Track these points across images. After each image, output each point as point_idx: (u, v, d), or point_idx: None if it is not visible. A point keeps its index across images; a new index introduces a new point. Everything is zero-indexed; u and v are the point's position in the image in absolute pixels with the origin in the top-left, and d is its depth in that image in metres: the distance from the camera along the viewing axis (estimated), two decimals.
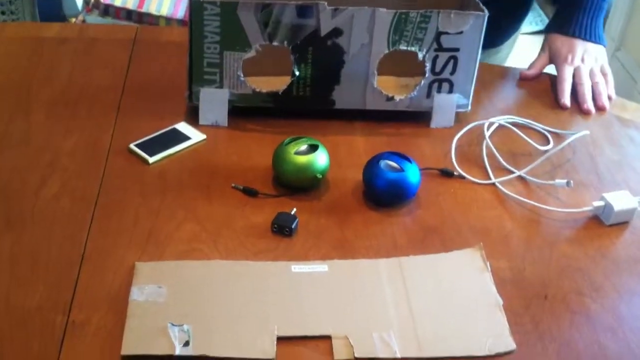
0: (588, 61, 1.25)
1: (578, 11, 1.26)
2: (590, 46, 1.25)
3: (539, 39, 1.33)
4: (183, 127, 1.07)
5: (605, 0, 1.27)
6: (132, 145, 1.03)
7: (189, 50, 1.05)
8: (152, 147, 1.03)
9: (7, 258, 0.86)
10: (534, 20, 3.02)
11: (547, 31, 1.29)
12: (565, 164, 1.08)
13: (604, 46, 1.27)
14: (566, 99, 1.21)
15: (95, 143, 1.05)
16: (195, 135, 1.06)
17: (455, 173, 1.03)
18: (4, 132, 1.06)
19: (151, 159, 1.01)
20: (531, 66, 1.28)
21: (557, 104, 1.22)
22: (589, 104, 1.21)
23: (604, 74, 1.25)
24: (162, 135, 1.05)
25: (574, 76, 1.24)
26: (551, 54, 1.27)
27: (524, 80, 1.27)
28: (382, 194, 0.96)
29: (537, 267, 0.90)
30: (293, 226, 0.91)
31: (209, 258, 0.88)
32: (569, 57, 1.24)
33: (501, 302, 0.84)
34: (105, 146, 1.04)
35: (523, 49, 1.59)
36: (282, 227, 0.92)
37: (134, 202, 0.95)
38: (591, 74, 1.24)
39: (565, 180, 1.00)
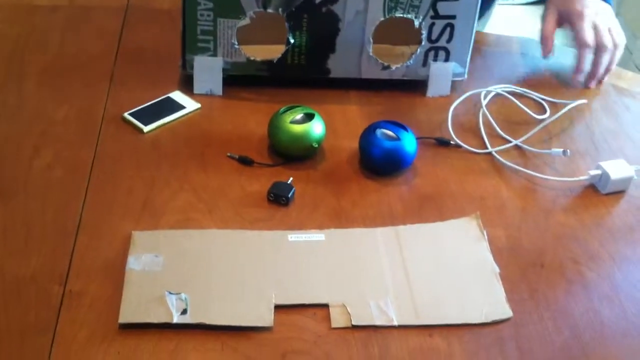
0: (603, 17, 1.17)
1: None
2: (599, 3, 1.20)
3: (534, 10, 1.31)
4: (177, 95, 1.06)
5: None
6: (126, 114, 1.02)
7: (182, 18, 1.04)
8: (146, 116, 1.02)
9: (1, 228, 0.85)
10: None
11: None
12: (561, 133, 1.08)
13: (612, 5, 1.22)
14: (582, 76, 1.17)
15: (89, 112, 1.04)
16: (190, 104, 1.05)
17: (451, 142, 1.03)
18: None
19: (146, 128, 1.00)
20: (544, 36, 1.20)
21: (562, 74, 1.19)
22: (595, 82, 1.18)
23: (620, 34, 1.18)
24: (157, 104, 1.04)
25: (595, 37, 1.15)
26: (562, 12, 1.19)
27: (547, 54, 1.19)
28: (379, 163, 0.96)
29: (533, 236, 0.90)
30: (289, 195, 0.91)
31: (205, 227, 0.87)
32: (583, 11, 1.16)
33: (497, 270, 0.85)
34: (98, 115, 1.03)
35: (507, 19, 1.57)
36: (279, 197, 0.91)
37: (128, 172, 0.94)
38: (611, 35, 1.16)
39: (561, 150, 1.00)
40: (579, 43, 1.16)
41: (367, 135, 0.96)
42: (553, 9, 1.20)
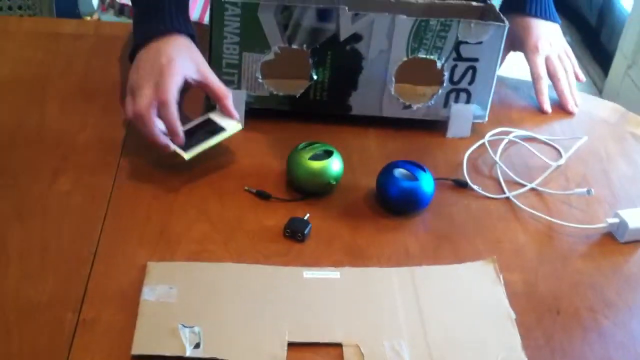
0: (555, 45, 1.24)
1: None
2: (550, 26, 1.25)
3: None
4: (216, 115, 1.02)
5: None
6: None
7: (209, 51, 1.05)
8: (186, 142, 0.98)
9: (17, 251, 0.85)
10: None
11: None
12: (579, 178, 1.08)
13: (559, 24, 1.26)
14: (548, 105, 1.21)
15: (109, 139, 1.04)
16: (230, 126, 1.00)
17: (470, 184, 1.03)
18: (19, 125, 1.06)
19: (187, 155, 0.97)
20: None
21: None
22: (572, 105, 1.22)
23: (569, 57, 1.25)
24: (195, 128, 1.01)
25: (547, 68, 1.23)
26: (512, 41, 1.23)
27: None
28: (396, 202, 0.96)
29: (549, 282, 0.90)
30: (306, 232, 0.91)
31: (220, 260, 0.87)
32: (537, 44, 1.23)
33: (514, 315, 0.84)
34: (118, 142, 1.04)
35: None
36: (295, 232, 0.91)
37: (146, 200, 0.95)
38: (561, 61, 1.24)
39: (585, 189, 1.00)
40: (533, 77, 1.23)
41: (385, 174, 0.96)
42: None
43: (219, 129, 1.00)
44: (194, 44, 1.03)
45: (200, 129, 1.00)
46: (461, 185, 1.03)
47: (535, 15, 1.24)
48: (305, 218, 0.93)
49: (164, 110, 0.94)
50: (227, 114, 1.00)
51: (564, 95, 1.22)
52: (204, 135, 0.99)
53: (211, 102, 1.03)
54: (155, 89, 0.95)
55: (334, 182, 0.97)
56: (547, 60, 1.23)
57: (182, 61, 0.98)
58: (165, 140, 0.96)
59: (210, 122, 1.01)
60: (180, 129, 0.96)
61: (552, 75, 1.23)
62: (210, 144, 0.98)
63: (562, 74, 1.23)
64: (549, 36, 1.24)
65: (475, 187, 1.02)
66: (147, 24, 1.03)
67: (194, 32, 1.04)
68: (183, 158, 0.97)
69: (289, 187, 0.99)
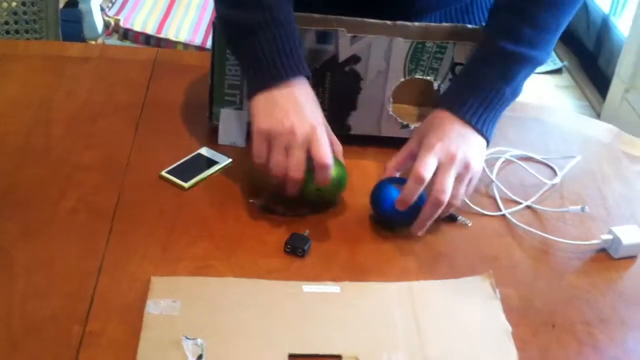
0: (466, 173, 0.96)
1: (476, 92, 1.00)
2: (470, 138, 0.99)
3: (549, 79, 1.32)
4: (206, 151, 1.09)
5: (515, 92, 1.02)
6: (164, 173, 1.04)
7: (210, 72, 1.08)
8: (184, 172, 1.04)
9: (24, 267, 0.87)
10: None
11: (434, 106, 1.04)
12: (574, 196, 1.10)
13: (489, 142, 1.01)
14: (423, 231, 0.97)
15: (113, 159, 1.07)
16: (221, 159, 1.08)
17: (459, 218, 1.02)
18: (25, 145, 1.08)
19: (186, 184, 1.02)
20: (385, 168, 1.03)
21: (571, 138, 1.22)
22: (420, 231, 0.97)
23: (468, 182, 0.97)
24: (190, 161, 1.07)
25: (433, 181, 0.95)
26: (420, 133, 1.00)
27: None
28: (390, 216, 0.98)
29: (545, 297, 0.92)
30: (306, 248, 0.93)
31: (222, 275, 0.89)
32: (437, 147, 0.95)
33: (510, 329, 0.85)
34: (123, 162, 1.06)
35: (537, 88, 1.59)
36: (295, 248, 0.93)
37: (149, 217, 0.97)
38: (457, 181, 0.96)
39: (579, 207, 1.02)
40: (412, 174, 0.95)
41: (378, 189, 0.98)
42: (415, 138, 1.01)
43: (211, 162, 1.07)
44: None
45: (193, 163, 1.07)
46: (451, 219, 1.01)
47: (468, 122, 0.99)
48: (306, 234, 0.95)
49: (323, 171, 0.95)
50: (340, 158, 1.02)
51: (422, 219, 0.96)
52: (200, 168, 1.06)
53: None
54: (309, 151, 0.95)
55: (319, 190, 0.97)
56: (443, 177, 0.94)
57: (323, 119, 0.99)
58: None
59: (200, 156, 1.08)
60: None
61: (433, 196, 0.94)
62: (206, 174, 1.05)
63: (443, 204, 0.94)
64: (464, 150, 0.96)
65: (461, 218, 1.02)
66: (279, 62, 0.98)
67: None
68: (183, 187, 1.02)
69: (290, 203, 1.01)
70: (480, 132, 0.99)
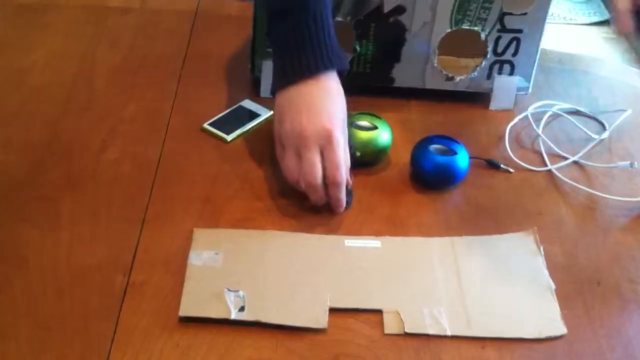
0: None
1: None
2: None
3: (596, 30, 1.28)
4: (248, 104, 1.08)
5: None
6: (206, 125, 1.03)
7: (252, 23, 1.06)
8: (226, 125, 1.03)
9: (68, 217, 0.89)
10: (592, 10, 2.97)
11: None
12: (622, 151, 1.07)
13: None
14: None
15: (156, 111, 1.07)
16: (263, 112, 1.07)
17: (502, 165, 1.01)
18: (68, 96, 1.09)
19: (229, 137, 1.02)
20: (619, 10, 0.95)
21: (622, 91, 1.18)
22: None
23: None
24: (232, 113, 1.06)
25: None
26: None
27: (621, 30, 0.97)
28: (430, 177, 0.96)
29: (590, 254, 0.90)
30: (348, 200, 0.92)
31: (264, 228, 0.89)
32: None
33: (553, 286, 0.84)
34: (165, 114, 1.06)
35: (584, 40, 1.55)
36: None
37: (192, 169, 0.97)
38: None
39: (628, 162, 0.99)
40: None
41: (419, 149, 0.97)
42: None
43: (254, 115, 1.05)
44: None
45: (235, 115, 1.05)
46: (493, 166, 1.01)
47: None
48: (349, 187, 0.94)
49: (334, 188, 0.89)
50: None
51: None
52: (242, 121, 1.04)
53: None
54: (323, 160, 0.88)
55: (359, 154, 0.96)
56: None
57: (344, 126, 0.90)
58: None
59: (242, 108, 1.07)
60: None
61: None
62: (248, 127, 1.04)
63: None
64: None
65: (503, 166, 1.01)
66: (299, 55, 0.91)
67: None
68: (225, 140, 1.01)
69: None
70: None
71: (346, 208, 0.92)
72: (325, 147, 0.87)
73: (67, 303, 0.78)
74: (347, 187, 0.92)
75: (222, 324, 0.77)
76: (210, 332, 0.76)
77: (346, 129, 0.91)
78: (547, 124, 1.10)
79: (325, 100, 0.90)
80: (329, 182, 0.88)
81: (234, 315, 0.77)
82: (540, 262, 0.88)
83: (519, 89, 1.12)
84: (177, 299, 0.78)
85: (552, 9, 1.09)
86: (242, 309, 0.78)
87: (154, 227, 0.88)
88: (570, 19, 2.88)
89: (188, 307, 0.78)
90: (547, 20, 1.07)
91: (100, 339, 0.75)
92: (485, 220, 0.94)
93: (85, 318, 0.77)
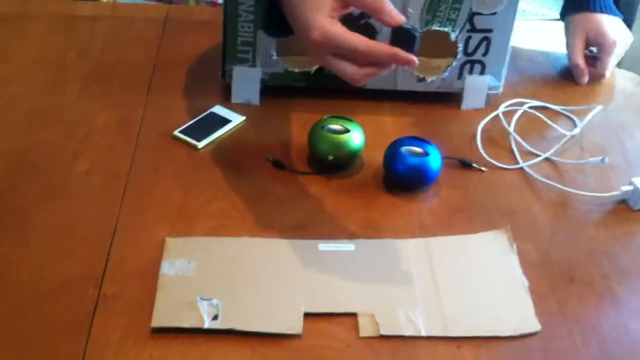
0: (619, 51, 1.21)
1: None
2: (614, 20, 1.22)
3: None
4: (219, 110, 1.07)
5: None
6: (176, 132, 1.03)
7: (223, 29, 1.06)
8: (197, 132, 1.03)
9: (40, 230, 0.88)
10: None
11: (565, 14, 1.24)
12: (593, 147, 1.08)
13: (620, 18, 1.24)
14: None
15: (127, 120, 1.06)
16: (235, 117, 1.06)
17: (474, 165, 1.02)
18: (38, 107, 1.08)
19: (200, 144, 1.02)
20: (575, 56, 1.21)
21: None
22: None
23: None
24: (203, 120, 1.05)
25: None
26: (590, 38, 1.21)
27: (583, 82, 1.21)
28: (402, 179, 0.97)
29: (563, 250, 0.91)
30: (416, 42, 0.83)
31: (238, 234, 0.89)
32: (613, 47, 1.19)
33: (527, 283, 0.85)
34: (136, 123, 1.05)
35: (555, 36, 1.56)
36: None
37: (164, 178, 0.96)
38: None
39: (599, 158, 1.00)
40: (598, 71, 1.21)
41: (391, 150, 0.97)
42: (580, 33, 1.21)
43: (224, 121, 1.05)
44: None
45: (206, 121, 1.05)
46: (466, 165, 1.02)
47: (600, 12, 1.21)
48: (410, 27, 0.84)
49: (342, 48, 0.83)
50: (389, 17, 0.85)
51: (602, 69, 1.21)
52: (213, 127, 1.04)
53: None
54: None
55: (331, 158, 0.97)
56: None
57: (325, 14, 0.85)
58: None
59: (213, 114, 1.06)
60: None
61: (599, 70, 1.22)
62: (219, 134, 1.03)
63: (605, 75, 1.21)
64: (620, 35, 1.21)
65: (476, 165, 1.02)
66: None
67: None
68: (196, 147, 1.01)
69: (307, 161, 1.00)
70: (611, 14, 1.21)
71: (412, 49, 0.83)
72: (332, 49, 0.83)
73: (38, 318, 0.77)
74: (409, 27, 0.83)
75: (196, 333, 0.77)
76: (183, 343, 0.76)
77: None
78: (518, 121, 1.10)
79: (299, 8, 0.85)
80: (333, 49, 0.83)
81: (207, 324, 0.77)
82: (514, 259, 0.88)
83: (490, 88, 1.12)
84: (150, 310, 0.78)
85: (524, 5, 1.09)
86: (215, 317, 0.77)
87: (126, 237, 0.87)
88: (543, 15, 2.90)
89: (160, 318, 0.77)
90: (517, 18, 1.07)
91: (72, 354, 0.74)
92: (459, 220, 0.94)
93: (57, 333, 0.76)
